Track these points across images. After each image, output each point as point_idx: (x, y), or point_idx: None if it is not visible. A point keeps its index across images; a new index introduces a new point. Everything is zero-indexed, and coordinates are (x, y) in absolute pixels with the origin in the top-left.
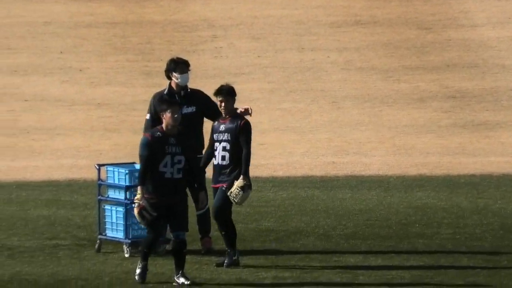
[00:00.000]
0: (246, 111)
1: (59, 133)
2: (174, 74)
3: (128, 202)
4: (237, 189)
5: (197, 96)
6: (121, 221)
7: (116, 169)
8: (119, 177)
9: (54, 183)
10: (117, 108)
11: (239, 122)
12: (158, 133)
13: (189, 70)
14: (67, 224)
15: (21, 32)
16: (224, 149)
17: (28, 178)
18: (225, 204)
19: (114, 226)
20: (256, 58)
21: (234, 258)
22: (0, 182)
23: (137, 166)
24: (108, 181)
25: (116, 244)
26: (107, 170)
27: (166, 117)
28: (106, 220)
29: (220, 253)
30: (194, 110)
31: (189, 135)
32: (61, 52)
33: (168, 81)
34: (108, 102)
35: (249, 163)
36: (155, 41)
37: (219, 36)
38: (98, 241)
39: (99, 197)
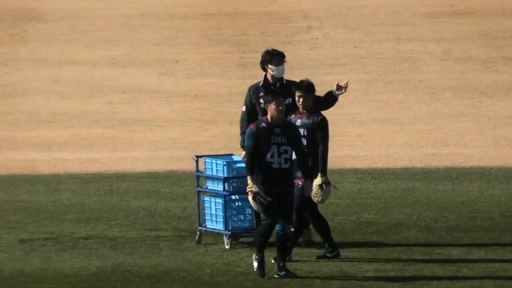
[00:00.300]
0: (339, 88)
1: (157, 124)
2: (269, 66)
3: (227, 193)
4: (316, 187)
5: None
6: (221, 213)
7: (214, 161)
8: (217, 168)
9: (154, 174)
10: (214, 100)
11: (316, 118)
12: (263, 124)
13: (285, 62)
14: (167, 215)
15: (118, 24)
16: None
17: (128, 169)
18: (302, 201)
19: (214, 218)
20: (353, 49)
21: (331, 252)
22: (101, 173)
23: (235, 158)
24: (206, 173)
25: (216, 235)
26: (205, 162)
27: (271, 109)
28: (205, 211)
29: (321, 245)
30: (290, 101)
31: None
32: (158, 44)
33: (263, 73)
34: (204, 93)
35: (326, 160)
36: (250, 32)
37: (314, 27)
38: (198, 233)
39: (198, 189)
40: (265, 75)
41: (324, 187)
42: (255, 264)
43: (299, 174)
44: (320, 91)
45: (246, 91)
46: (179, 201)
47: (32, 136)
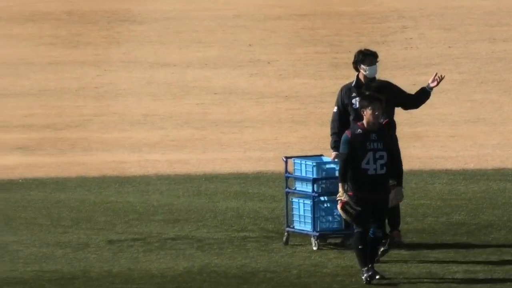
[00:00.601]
0: (433, 81)
1: (248, 125)
2: (362, 66)
3: (316, 194)
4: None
5: (386, 87)
6: (309, 214)
7: (303, 162)
8: (307, 169)
9: (242, 175)
10: (305, 101)
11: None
12: (359, 130)
13: (377, 62)
14: (255, 216)
15: (211, 26)
16: None
17: (216, 170)
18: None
19: (302, 219)
20: (447, 49)
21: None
22: (190, 174)
23: (324, 159)
24: (295, 174)
25: (304, 236)
26: (294, 163)
27: (367, 114)
28: (293, 212)
29: (411, 246)
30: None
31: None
32: (250, 45)
33: (356, 73)
34: (296, 94)
35: (401, 165)
36: (343, 32)
37: (409, 27)
38: (286, 234)
39: (286, 190)
40: (357, 75)
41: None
42: (367, 278)
43: None
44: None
45: (338, 91)
46: (267, 202)
47: (123, 138)
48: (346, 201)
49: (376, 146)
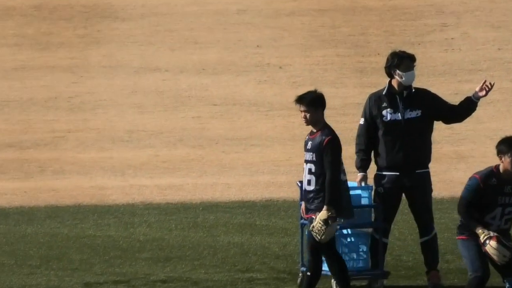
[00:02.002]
0: (481, 89)
1: (254, 143)
2: (397, 71)
3: (337, 227)
4: (319, 223)
5: (423, 97)
6: None
7: None
8: None
9: (248, 204)
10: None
11: (324, 138)
12: (494, 179)
13: (414, 66)
14: (263, 253)
15: (210, 23)
16: (310, 171)
17: (217, 198)
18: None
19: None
20: (496, 51)
21: None
22: (185, 202)
23: (348, 183)
24: None
25: (322, 278)
26: None
27: (505, 162)
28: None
29: None
30: (420, 114)
31: (413, 146)
32: (258, 46)
33: (387, 79)
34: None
35: (334, 190)
36: (370, 31)
37: (450, 25)
38: (300, 275)
39: (301, 221)
40: (390, 82)
41: (329, 224)
42: None
43: (310, 206)
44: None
45: (365, 101)
46: (278, 236)
47: (102, 158)
48: (498, 235)
49: (508, 200)
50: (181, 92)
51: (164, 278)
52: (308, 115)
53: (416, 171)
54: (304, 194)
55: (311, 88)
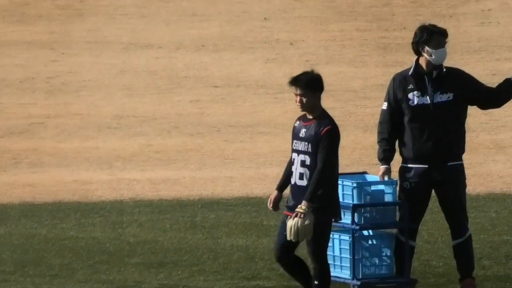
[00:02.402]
0: None
1: (262, 131)
2: (426, 48)
3: (357, 227)
4: (293, 221)
5: (456, 78)
6: (347, 255)
7: (339, 182)
8: (344, 192)
9: (254, 200)
10: (342, 96)
11: (322, 127)
12: None
13: (446, 43)
14: (271, 258)
15: None
16: (303, 164)
17: (218, 194)
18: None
19: (337, 262)
20: None
21: None
22: (181, 199)
23: (369, 177)
24: None
25: (339, 286)
26: None
27: None
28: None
29: None
30: (451, 98)
31: (444, 135)
32: (265, 19)
33: (414, 57)
34: (329, 88)
35: (323, 185)
36: (395, 2)
37: None
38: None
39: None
40: (417, 60)
41: (303, 222)
42: None
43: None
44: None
45: (388, 82)
46: None
47: (86, 148)
48: None
49: None
50: (177, 71)
51: (157, 286)
52: (304, 100)
53: (448, 164)
54: (293, 189)
55: (328, 68)
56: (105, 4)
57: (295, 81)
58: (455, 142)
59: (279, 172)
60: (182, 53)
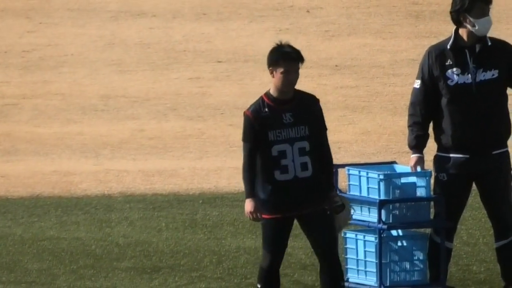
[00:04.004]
0: None
1: None
2: (467, 17)
3: (384, 227)
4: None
5: (502, 52)
6: (373, 258)
7: (363, 173)
8: (369, 185)
9: None
10: (367, 73)
11: (312, 99)
12: None
13: (490, 10)
14: (284, 262)
15: None
16: (303, 152)
17: (222, 187)
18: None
19: (362, 266)
20: None
21: None
22: (179, 193)
23: (399, 168)
24: (352, 193)
25: None
26: (348, 175)
27: None
28: (347, 256)
29: None
30: (497, 75)
31: (488, 119)
32: None
33: (453, 28)
34: (351, 63)
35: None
36: None
37: None
38: None
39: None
40: (456, 31)
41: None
42: None
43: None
44: None
45: (422, 56)
46: (304, 238)
47: (69, 134)
48: None
49: None
50: (174, 44)
51: None
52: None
53: (492, 152)
54: (290, 184)
55: (350, 39)
56: None
57: (300, 56)
58: (500, 126)
59: None
60: (180, 22)
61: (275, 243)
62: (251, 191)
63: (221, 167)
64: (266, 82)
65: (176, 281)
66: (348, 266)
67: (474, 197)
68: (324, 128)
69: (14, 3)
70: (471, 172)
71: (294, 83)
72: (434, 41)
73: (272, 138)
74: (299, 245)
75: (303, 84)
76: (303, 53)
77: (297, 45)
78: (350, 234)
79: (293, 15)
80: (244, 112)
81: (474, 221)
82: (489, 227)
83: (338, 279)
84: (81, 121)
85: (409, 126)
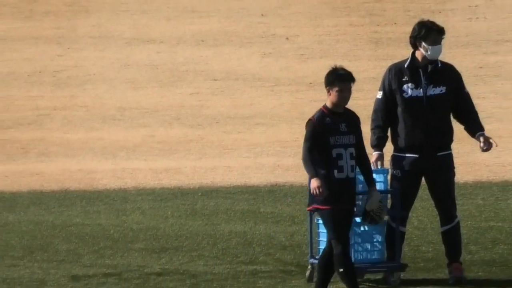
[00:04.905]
0: (485, 144)
1: (259, 122)
2: (423, 43)
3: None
4: (379, 203)
5: (449, 73)
6: None
7: None
8: None
9: (252, 189)
10: None
11: (355, 115)
12: None
13: (442, 39)
14: (268, 243)
15: None
16: (352, 156)
17: (217, 182)
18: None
19: None
20: None
21: None
22: (182, 187)
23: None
24: None
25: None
26: None
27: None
28: (320, 239)
29: (476, 283)
30: (444, 91)
31: (435, 126)
32: (262, 15)
33: (409, 51)
34: (323, 80)
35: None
36: None
37: None
38: (309, 267)
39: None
40: (414, 53)
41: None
42: None
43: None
44: (480, 76)
45: (380, 74)
46: (285, 224)
47: (91, 139)
48: None
49: None
50: (178, 65)
51: (159, 271)
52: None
53: (438, 154)
54: (343, 183)
55: (322, 62)
56: (109, 1)
57: (351, 77)
58: (445, 132)
59: (275, 161)
60: (182, 47)
61: (342, 230)
62: (314, 173)
63: (217, 166)
64: (254, 96)
65: (179, 259)
66: (320, 247)
67: (423, 190)
68: (362, 139)
69: (46, 32)
70: (420, 170)
71: (348, 100)
72: (390, 63)
73: (332, 142)
74: (280, 229)
75: (284, 98)
76: (283, 73)
77: (277, 67)
78: (322, 221)
79: (275, 42)
80: (309, 119)
81: (423, 210)
82: (435, 214)
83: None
84: (102, 129)
85: (372, 129)
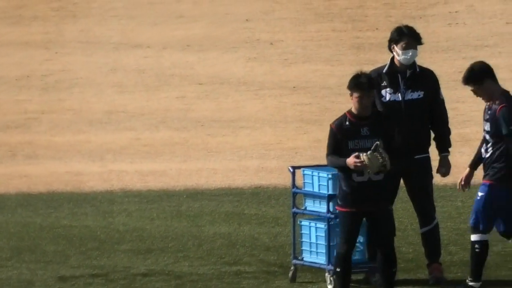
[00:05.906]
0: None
1: (243, 126)
2: (395, 48)
3: (332, 216)
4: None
5: (427, 78)
6: (323, 241)
7: (315, 173)
8: (320, 183)
9: (236, 191)
10: (319, 93)
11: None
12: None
13: (421, 44)
14: (252, 245)
15: None
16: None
17: (202, 184)
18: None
19: (314, 248)
20: (504, 26)
21: None
22: (168, 189)
23: None
24: (306, 189)
25: (315, 271)
26: (303, 174)
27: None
28: (303, 240)
29: (455, 283)
30: (422, 96)
31: (413, 130)
32: (247, 20)
33: (390, 56)
34: (306, 85)
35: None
36: (368, 4)
37: None
38: (292, 268)
39: (293, 210)
40: (392, 59)
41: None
42: None
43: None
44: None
45: None
46: (269, 226)
47: (79, 142)
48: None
49: None
50: (164, 70)
51: (145, 272)
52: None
53: (415, 156)
54: (367, 184)
55: (305, 66)
56: (97, 6)
57: (371, 85)
58: (422, 137)
59: (260, 164)
60: (169, 52)
61: (351, 234)
62: (343, 159)
63: (201, 168)
64: (238, 100)
65: (165, 260)
66: (303, 248)
67: (403, 192)
68: (391, 140)
69: (35, 37)
70: (399, 172)
71: (367, 106)
72: (372, 67)
73: (351, 146)
74: (263, 231)
75: (268, 102)
76: (267, 77)
77: (261, 71)
78: (304, 222)
79: (259, 47)
80: (330, 125)
81: (404, 211)
82: (415, 216)
83: (392, 266)
84: (89, 132)
85: None
